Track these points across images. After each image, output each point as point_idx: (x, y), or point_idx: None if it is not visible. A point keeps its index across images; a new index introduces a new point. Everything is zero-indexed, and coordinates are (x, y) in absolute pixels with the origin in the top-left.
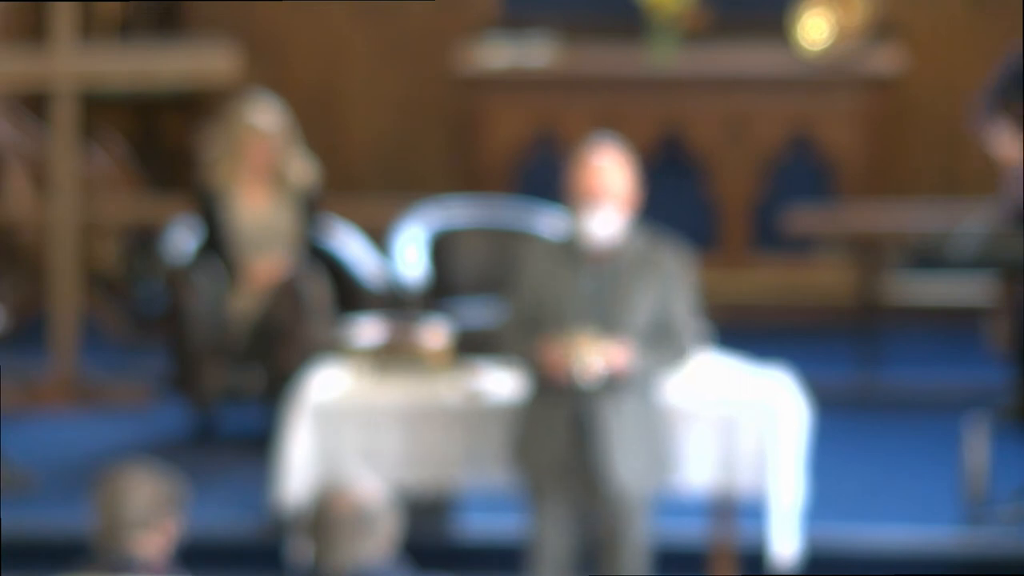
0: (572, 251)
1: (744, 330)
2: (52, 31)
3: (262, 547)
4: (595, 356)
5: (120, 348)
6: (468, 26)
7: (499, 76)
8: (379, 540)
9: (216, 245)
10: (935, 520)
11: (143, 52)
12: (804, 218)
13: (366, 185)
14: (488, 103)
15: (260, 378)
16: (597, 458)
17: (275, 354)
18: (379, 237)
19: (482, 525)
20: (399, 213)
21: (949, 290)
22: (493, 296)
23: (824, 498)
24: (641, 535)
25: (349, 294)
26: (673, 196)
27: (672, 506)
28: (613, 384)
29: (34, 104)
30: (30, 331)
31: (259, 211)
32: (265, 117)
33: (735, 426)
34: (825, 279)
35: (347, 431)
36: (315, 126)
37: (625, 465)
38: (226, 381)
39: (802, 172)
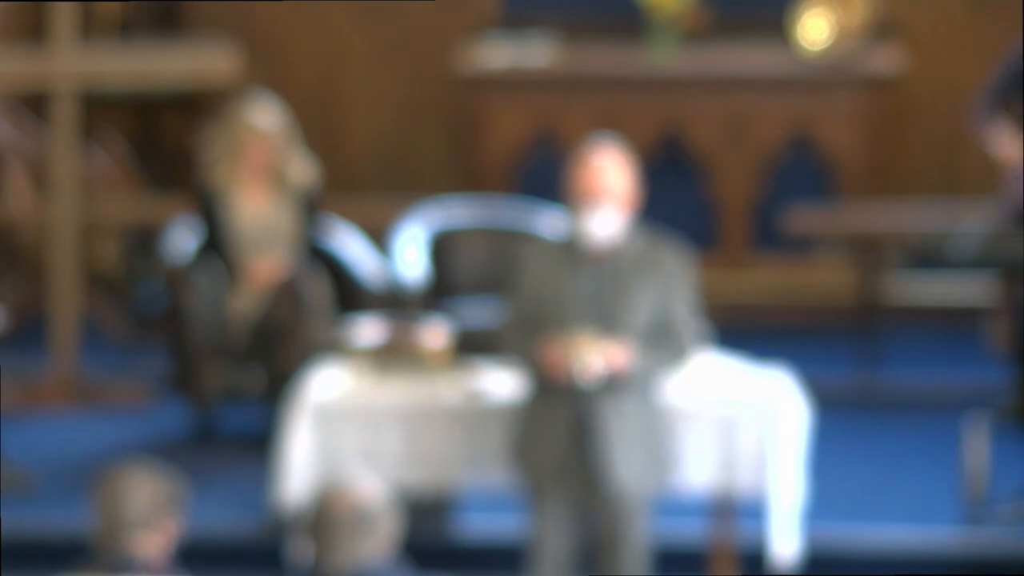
0: (572, 251)
1: (744, 330)
2: (52, 31)
3: (262, 547)
4: (595, 356)
5: (120, 348)
6: (468, 26)
7: (499, 76)
8: (379, 540)
9: (216, 245)
10: (935, 520)
11: (143, 52)
12: (804, 218)
13: (366, 185)
14: (488, 103)
15: (260, 378)
16: (597, 458)
17: (275, 354)
18: (379, 237)
19: (482, 525)
20: (399, 213)
21: (949, 290)
22: (493, 296)
23: (824, 498)
24: (641, 535)
25: (349, 294)
26: (673, 196)
27: (672, 506)
28: (613, 384)
29: (34, 104)
30: (30, 331)
31: (259, 211)
32: (265, 117)
33: (735, 426)
34: (825, 279)
35: (347, 431)
36: (315, 126)
37: (625, 465)
38: (226, 381)
39: (802, 172)
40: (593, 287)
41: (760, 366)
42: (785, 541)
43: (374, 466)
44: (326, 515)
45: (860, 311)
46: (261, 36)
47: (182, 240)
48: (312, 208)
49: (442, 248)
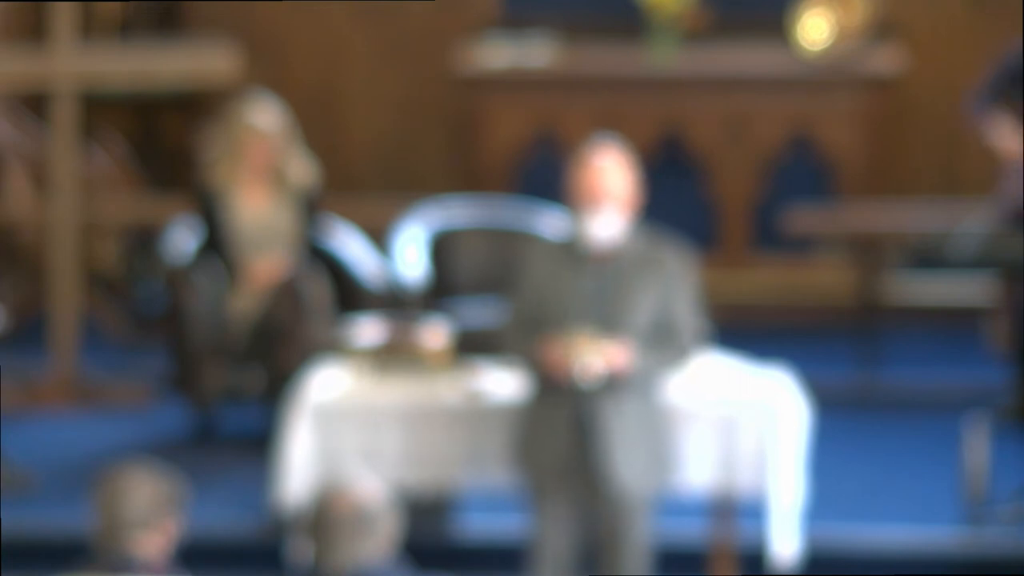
0: (574, 251)
1: (744, 330)
2: (52, 31)
3: (262, 547)
4: (594, 356)
5: (120, 348)
6: (468, 26)
7: (499, 76)
8: (379, 540)
9: (216, 245)
10: (935, 520)
11: (143, 52)
12: (804, 218)
13: (366, 185)
14: (488, 103)
15: (260, 378)
16: (598, 458)
17: (275, 354)
18: (379, 237)
19: (482, 525)
20: (399, 213)
21: (949, 290)
22: (493, 296)
23: (824, 498)
24: (642, 535)
25: (349, 294)
26: (673, 196)
27: (672, 506)
28: (613, 384)
29: (34, 104)
30: (30, 331)
31: (259, 211)
32: (265, 117)
33: (735, 426)
34: (825, 279)
35: (347, 431)
36: (315, 126)
37: (626, 465)
38: (226, 381)
39: (802, 172)
40: (594, 287)
41: (760, 366)
42: (785, 541)
43: (374, 466)
44: (326, 515)
45: (860, 311)
46: (261, 36)
47: (182, 240)
48: (312, 208)
49: (442, 248)
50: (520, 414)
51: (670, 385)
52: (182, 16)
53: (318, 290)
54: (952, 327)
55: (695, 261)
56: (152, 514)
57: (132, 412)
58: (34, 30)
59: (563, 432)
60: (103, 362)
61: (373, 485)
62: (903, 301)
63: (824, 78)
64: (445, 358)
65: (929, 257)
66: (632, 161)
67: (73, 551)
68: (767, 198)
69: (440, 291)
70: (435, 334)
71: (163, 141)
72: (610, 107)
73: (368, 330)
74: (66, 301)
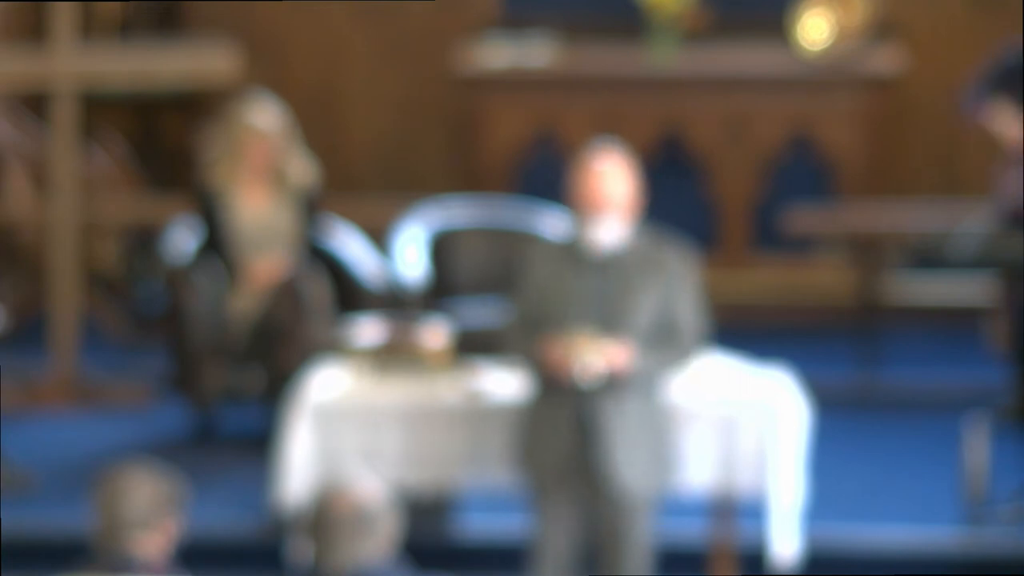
0: (575, 251)
1: (744, 330)
2: (52, 31)
3: (262, 547)
4: (595, 356)
5: (120, 348)
6: (468, 26)
7: (499, 76)
8: (379, 540)
9: (216, 245)
10: (935, 520)
11: (143, 52)
12: (804, 218)
13: (366, 185)
14: (488, 103)
15: (260, 378)
16: (599, 458)
17: (275, 354)
18: (379, 237)
19: (482, 525)
20: (399, 213)
21: (949, 290)
22: (493, 296)
23: (824, 498)
24: (643, 535)
25: (349, 294)
26: (673, 196)
27: (672, 506)
28: (615, 384)
29: (34, 104)
30: (30, 331)
31: (259, 211)
32: (265, 117)
33: (735, 426)
34: (825, 279)
35: (347, 431)
36: (315, 126)
37: (627, 465)
38: (226, 381)
39: (802, 172)
40: (596, 287)
41: (760, 366)
42: (785, 541)
43: (374, 466)
44: (326, 515)
45: (860, 311)
46: (261, 36)
47: (182, 240)
48: (312, 208)
49: (442, 248)
50: (521, 414)
51: (671, 385)
52: (182, 16)
53: (318, 290)
54: (952, 327)
55: (697, 261)
56: (152, 514)
57: (132, 412)
58: (34, 30)
59: (564, 432)
60: (103, 362)
61: (373, 485)
62: (903, 301)
63: (824, 78)
64: (445, 358)
65: (929, 257)
66: (633, 165)
67: (73, 551)
68: (767, 198)
69: (440, 291)
70: (435, 334)
71: (163, 141)
72: (610, 107)
73: (368, 330)
74: (66, 301)
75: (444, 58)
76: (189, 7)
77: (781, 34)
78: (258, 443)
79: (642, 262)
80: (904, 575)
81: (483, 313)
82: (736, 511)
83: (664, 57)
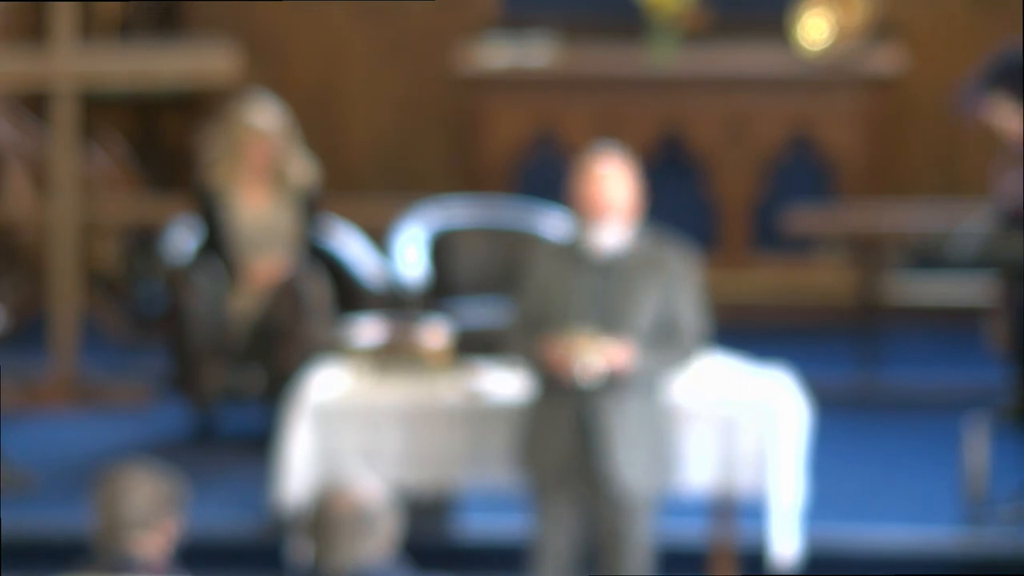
0: (577, 252)
1: (744, 330)
2: (52, 31)
3: (262, 547)
4: (595, 355)
5: (120, 348)
6: (468, 26)
7: (499, 76)
8: (379, 540)
9: (216, 245)
10: (935, 520)
11: (143, 52)
12: (804, 218)
13: (366, 185)
14: (488, 103)
15: (260, 378)
16: (600, 458)
17: (275, 354)
18: (379, 237)
19: (482, 525)
20: (399, 213)
21: (949, 290)
22: (493, 296)
23: (824, 498)
24: (644, 535)
25: (349, 294)
26: (673, 196)
27: (672, 506)
28: (615, 384)
29: (34, 104)
30: (30, 331)
31: (259, 211)
32: (265, 117)
33: (735, 426)
34: (825, 279)
35: (347, 431)
36: (315, 126)
37: (628, 465)
38: (226, 381)
39: (802, 172)
40: (597, 287)
41: (760, 366)
42: (785, 541)
43: (374, 466)
44: (326, 515)
45: (860, 311)
46: (261, 36)
47: (182, 240)
48: (312, 208)
49: (442, 248)
50: (521, 414)
51: (672, 385)
52: (182, 16)
53: (318, 290)
54: (952, 327)
55: (697, 261)
56: (152, 514)
57: (132, 412)
58: (34, 30)
59: (565, 432)
60: (103, 362)
61: (373, 485)
62: (903, 301)
63: (824, 78)
64: (445, 358)
65: (929, 257)
66: (634, 167)
67: (73, 551)
68: (767, 198)
69: (440, 291)
70: (435, 334)
71: (163, 141)
72: (610, 107)
73: (368, 330)
74: (66, 301)
75: (444, 58)
76: (189, 7)
77: (781, 34)
78: (258, 443)
79: (643, 263)
80: (904, 575)
81: (483, 313)
82: (736, 511)
83: (664, 57)
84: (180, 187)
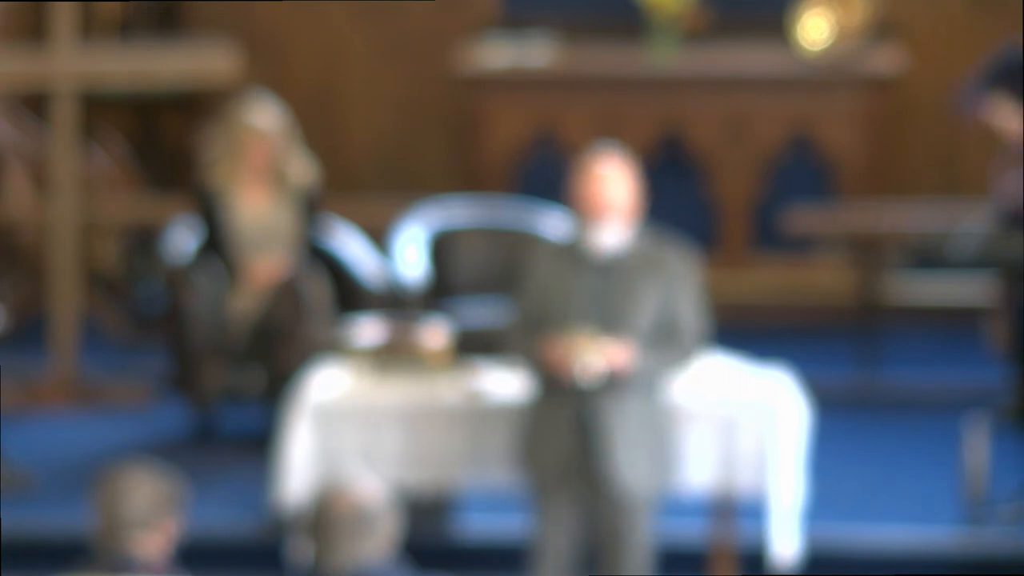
0: (577, 252)
1: (744, 330)
2: (52, 31)
3: (262, 547)
4: (595, 355)
5: (120, 348)
6: (468, 26)
7: (499, 76)
8: (379, 540)
9: (216, 245)
10: (935, 520)
11: (143, 52)
12: (804, 218)
13: (366, 185)
14: (488, 103)
15: (260, 378)
16: (600, 458)
17: (275, 354)
18: (379, 237)
19: (482, 525)
20: (399, 213)
21: (949, 290)
22: (493, 296)
23: (824, 498)
24: (644, 536)
25: (349, 294)
26: (673, 196)
27: (672, 506)
28: (615, 384)
29: (34, 104)
30: (30, 331)
31: (259, 211)
32: (265, 117)
33: (735, 426)
34: (825, 279)
35: (347, 431)
36: (315, 126)
37: (628, 465)
38: (226, 381)
39: (802, 172)
40: (597, 287)
41: (760, 366)
42: (785, 541)
43: (374, 466)
44: (326, 515)
45: (860, 311)
46: (261, 36)
47: (182, 240)
48: (312, 208)
49: (442, 248)
50: (521, 414)
51: (672, 385)
52: (182, 16)
53: (318, 290)
54: (952, 327)
55: (697, 261)
56: (152, 514)
57: (132, 412)
58: (34, 30)
59: (566, 432)
60: (103, 362)
61: (373, 485)
62: (903, 301)
63: (824, 78)
64: (445, 358)
65: (929, 257)
66: (634, 168)
67: (73, 551)
68: (767, 198)
69: (440, 291)
70: (435, 334)
71: (163, 141)
72: (610, 107)
73: (368, 330)
74: (66, 301)
75: (444, 58)
76: (189, 7)
77: (781, 34)
78: (258, 443)
79: (643, 263)
80: (904, 575)
81: (483, 313)
82: (736, 511)
83: (664, 57)
84: (180, 187)
